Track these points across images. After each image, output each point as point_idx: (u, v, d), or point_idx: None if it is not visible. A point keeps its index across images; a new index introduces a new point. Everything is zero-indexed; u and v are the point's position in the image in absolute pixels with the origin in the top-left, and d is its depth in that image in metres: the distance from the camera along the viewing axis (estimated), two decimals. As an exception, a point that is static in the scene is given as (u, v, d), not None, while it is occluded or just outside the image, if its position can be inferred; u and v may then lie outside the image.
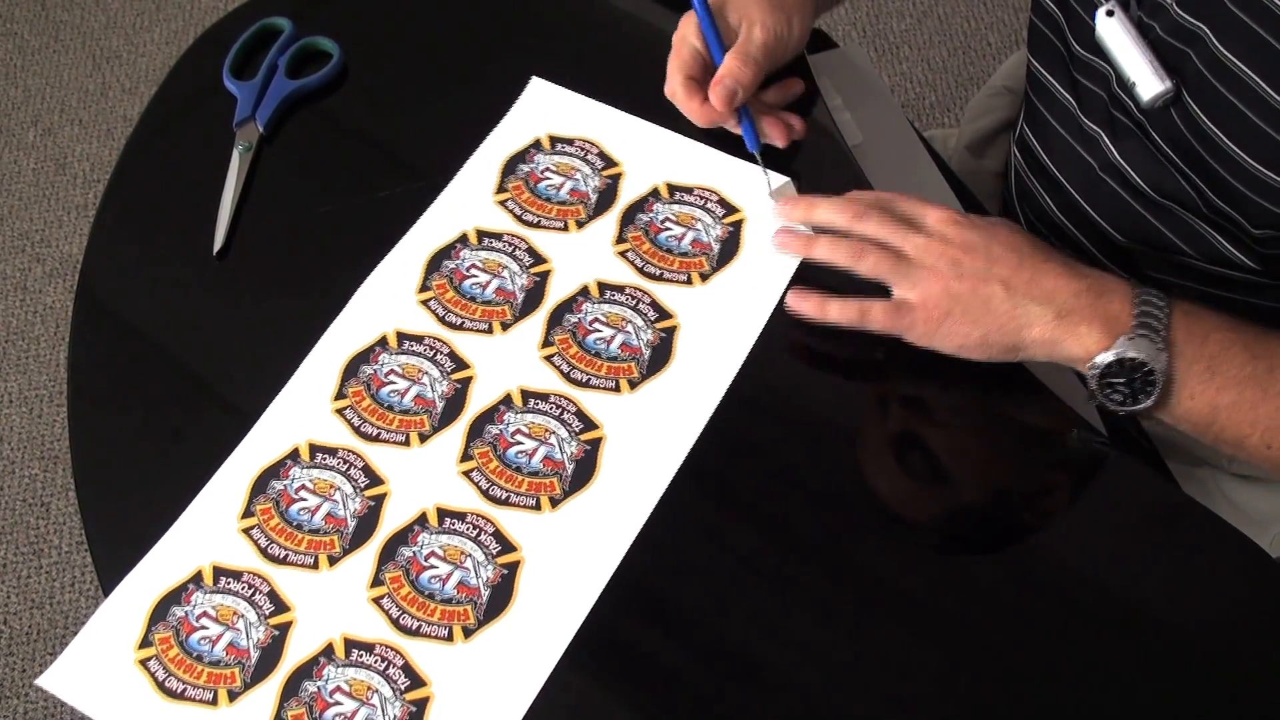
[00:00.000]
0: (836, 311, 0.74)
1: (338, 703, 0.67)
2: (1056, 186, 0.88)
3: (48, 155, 1.89)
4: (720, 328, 0.77)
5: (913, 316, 0.72)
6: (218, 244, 0.83)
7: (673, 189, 0.83)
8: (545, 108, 0.87)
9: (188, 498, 0.73)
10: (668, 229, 0.81)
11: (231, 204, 0.84)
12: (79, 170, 1.87)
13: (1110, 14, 0.75)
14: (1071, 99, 0.84)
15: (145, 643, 0.70)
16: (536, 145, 0.86)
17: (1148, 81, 0.74)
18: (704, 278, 0.79)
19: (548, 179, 0.84)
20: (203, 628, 0.70)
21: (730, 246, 0.80)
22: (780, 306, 0.77)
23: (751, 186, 0.82)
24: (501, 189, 0.84)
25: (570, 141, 0.86)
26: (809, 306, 0.75)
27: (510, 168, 0.85)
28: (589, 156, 0.85)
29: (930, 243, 0.72)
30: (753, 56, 0.80)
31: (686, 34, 0.82)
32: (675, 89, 0.82)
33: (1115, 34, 0.75)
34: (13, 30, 2.03)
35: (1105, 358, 0.69)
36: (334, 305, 0.80)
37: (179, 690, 0.68)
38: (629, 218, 0.82)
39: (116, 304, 0.83)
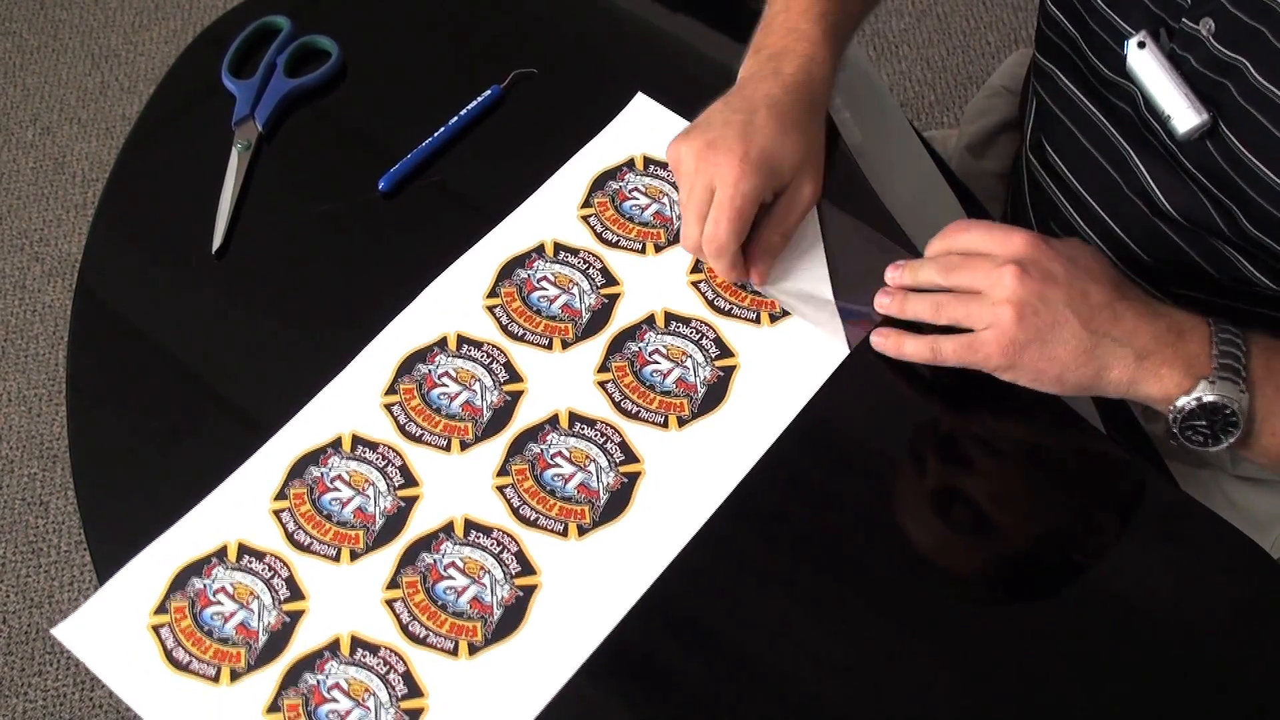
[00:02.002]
0: (911, 348, 0.73)
1: (334, 699, 0.67)
2: (1080, 200, 0.87)
3: (46, 154, 1.89)
4: (780, 375, 0.76)
5: (988, 349, 0.70)
6: (216, 243, 0.83)
7: None
8: (645, 126, 0.86)
9: (186, 497, 0.73)
10: None
11: (230, 203, 0.84)
12: (78, 169, 1.87)
13: (1141, 45, 0.74)
14: (1100, 114, 0.82)
15: (161, 609, 0.70)
16: (630, 164, 0.85)
17: (1184, 115, 0.72)
18: (773, 319, 0.78)
19: (634, 199, 0.83)
20: (218, 603, 0.70)
21: None
22: (839, 368, 0.76)
23: None
24: (586, 204, 0.83)
25: (664, 165, 0.84)
26: (888, 345, 0.74)
27: (599, 183, 0.84)
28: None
29: (1008, 271, 0.69)
30: (793, 225, 0.78)
31: (751, 186, 0.74)
32: (724, 259, 0.76)
33: (1148, 66, 0.74)
34: (11, 29, 2.03)
35: (1188, 402, 0.68)
36: (331, 305, 0.80)
37: (185, 662, 0.69)
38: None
39: (115, 303, 0.82)
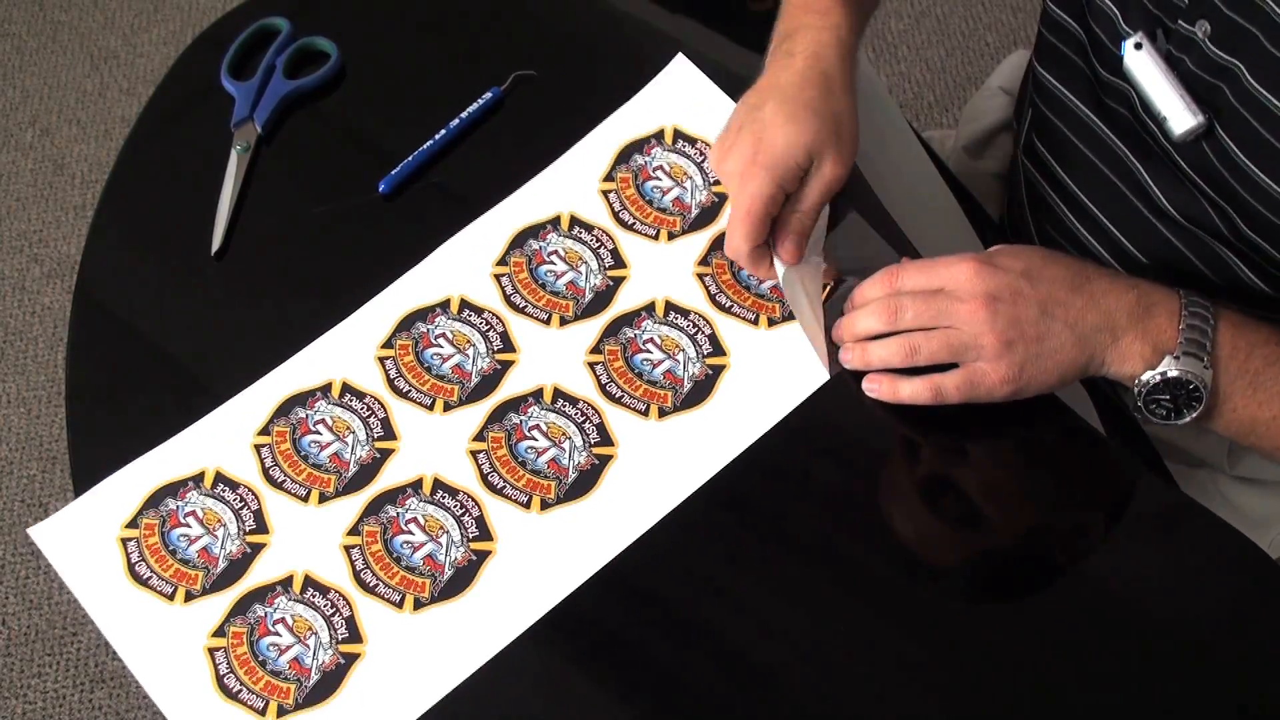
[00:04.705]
0: (909, 391, 0.74)
1: (277, 633, 0.72)
2: (1075, 200, 0.87)
3: (46, 156, 1.89)
4: (767, 380, 0.78)
5: (989, 383, 0.71)
6: (215, 244, 0.84)
7: None
8: (681, 93, 0.88)
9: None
10: None
11: (229, 204, 0.85)
12: (77, 171, 1.88)
13: (1139, 46, 0.75)
14: (1096, 116, 0.83)
15: (132, 523, 0.75)
16: (659, 136, 0.87)
17: (1180, 116, 0.74)
18: (771, 323, 0.80)
19: (657, 179, 0.85)
20: (186, 525, 0.75)
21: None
22: (827, 383, 0.77)
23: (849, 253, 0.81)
24: (609, 178, 0.86)
25: (693, 141, 0.87)
26: (882, 390, 0.75)
27: (625, 156, 0.86)
28: (705, 165, 0.86)
29: (975, 307, 0.70)
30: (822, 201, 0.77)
31: (758, 187, 0.74)
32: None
33: (1145, 67, 0.75)
34: (10, 31, 2.03)
35: (1152, 377, 0.71)
36: (331, 305, 0.81)
37: (145, 577, 0.74)
38: (721, 242, 0.82)
39: (114, 305, 0.84)
